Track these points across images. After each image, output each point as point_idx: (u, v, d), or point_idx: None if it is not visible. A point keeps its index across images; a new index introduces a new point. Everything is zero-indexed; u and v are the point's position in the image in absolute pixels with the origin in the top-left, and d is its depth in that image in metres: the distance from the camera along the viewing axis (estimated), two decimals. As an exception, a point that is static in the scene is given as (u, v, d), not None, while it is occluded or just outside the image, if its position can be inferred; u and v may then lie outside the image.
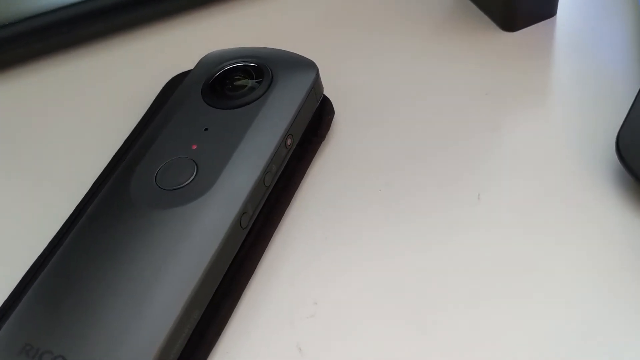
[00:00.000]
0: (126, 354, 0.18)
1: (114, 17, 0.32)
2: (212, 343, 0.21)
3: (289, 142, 0.24)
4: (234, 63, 0.26)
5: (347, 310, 0.22)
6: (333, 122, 0.27)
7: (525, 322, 0.21)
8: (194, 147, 0.23)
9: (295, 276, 0.23)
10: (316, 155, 0.26)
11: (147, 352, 0.19)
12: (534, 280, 0.22)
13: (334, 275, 0.23)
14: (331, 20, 0.32)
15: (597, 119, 0.26)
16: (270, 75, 0.25)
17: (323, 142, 0.27)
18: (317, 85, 0.26)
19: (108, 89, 0.30)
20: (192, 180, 0.22)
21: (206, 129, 0.24)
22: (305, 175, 0.26)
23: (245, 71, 0.26)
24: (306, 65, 0.26)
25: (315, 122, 0.27)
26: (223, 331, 0.21)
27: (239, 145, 0.23)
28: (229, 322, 0.22)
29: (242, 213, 0.22)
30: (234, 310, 0.22)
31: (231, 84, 0.26)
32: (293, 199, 0.25)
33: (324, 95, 0.27)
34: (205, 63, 0.27)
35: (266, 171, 0.23)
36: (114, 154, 0.27)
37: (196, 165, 0.23)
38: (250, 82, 0.25)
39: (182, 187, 0.22)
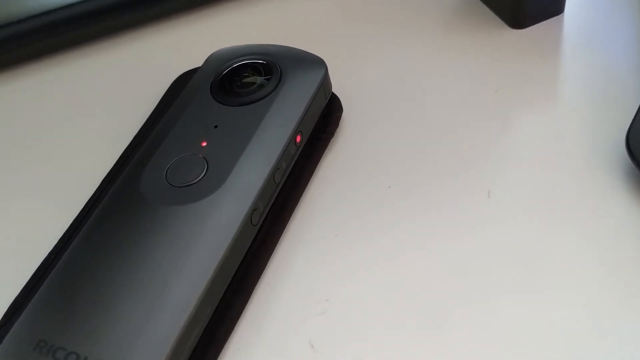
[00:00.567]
0: (139, 350, 0.18)
1: (121, 15, 0.32)
2: (224, 340, 0.21)
3: (298, 139, 0.24)
4: (243, 60, 0.26)
5: (359, 307, 0.22)
6: (342, 119, 0.27)
7: (537, 319, 0.21)
8: (204, 144, 0.23)
9: (306, 273, 0.23)
10: (325, 152, 0.26)
11: (160, 348, 0.18)
12: (545, 277, 0.22)
13: (345, 272, 0.23)
14: (340, 17, 0.32)
15: (606, 116, 0.26)
16: (279, 72, 0.25)
17: (332, 139, 0.27)
18: (326, 82, 0.26)
19: (116, 87, 0.30)
20: (202, 177, 0.22)
21: (216, 126, 0.24)
22: (315, 172, 0.26)
23: (254, 68, 0.26)
24: (315, 63, 0.26)
25: (324, 119, 0.27)
26: (235, 328, 0.21)
27: (249, 142, 0.23)
28: (240, 318, 0.22)
29: (253, 210, 0.22)
30: (246, 307, 0.22)
31: (240, 81, 0.26)
32: (303, 195, 0.25)
33: (333, 93, 0.27)
34: (213, 60, 0.27)
35: (276, 168, 0.23)
36: (122, 151, 0.27)
37: (206, 162, 0.23)
38: (259, 80, 0.25)
39: (193, 184, 0.22)
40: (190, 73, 0.29)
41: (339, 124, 0.27)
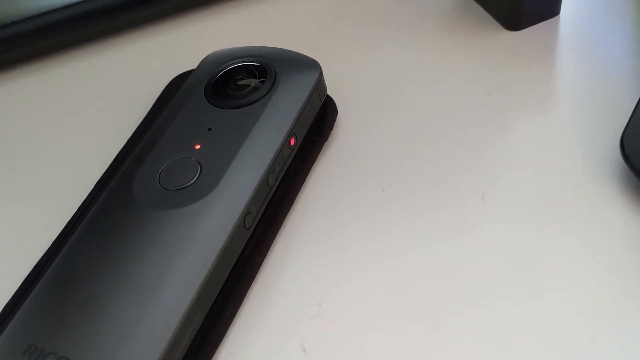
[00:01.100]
0: (130, 355, 0.18)
1: (114, 16, 0.32)
2: (216, 344, 0.21)
3: (292, 142, 0.24)
4: (237, 62, 0.26)
5: (352, 311, 0.22)
6: (336, 121, 0.27)
7: (532, 323, 0.21)
8: (197, 147, 0.23)
9: (299, 277, 0.23)
10: (320, 155, 0.26)
11: (151, 353, 0.18)
12: (540, 280, 0.22)
13: (338, 275, 0.23)
14: (334, 19, 0.32)
15: (601, 119, 0.26)
16: (274, 74, 0.25)
17: (326, 142, 0.26)
18: (320, 84, 0.26)
19: (109, 89, 0.30)
20: (195, 181, 0.22)
21: (209, 129, 0.24)
22: (309, 175, 0.26)
23: (248, 71, 0.26)
24: (309, 65, 0.26)
25: (319, 121, 0.27)
26: (227, 332, 0.21)
27: (242, 145, 0.23)
28: (232, 323, 0.21)
29: (246, 214, 0.22)
30: (238, 312, 0.22)
31: (234, 84, 0.26)
32: (296, 199, 0.25)
33: (327, 95, 0.27)
34: (207, 63, 0.27)
35: (270, 171, 0.23)
36: (116, 154, 0.26)
37: (200, 165, 0.23)
38: (253, 82, 0.25)
39: (186, 187, 0.22)
40: (184, 75, 0.29)
41: (334, 127, 0.27)
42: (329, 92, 0.27)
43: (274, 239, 0.23)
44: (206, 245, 0.21)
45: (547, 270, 0.22)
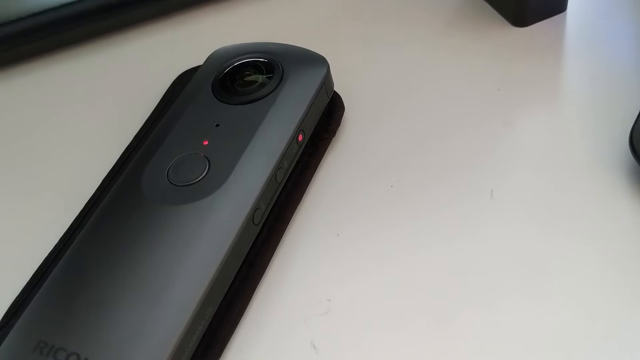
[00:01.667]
0: (140, 351, 0.18)
1: (122, 12, 0.32)
2: (226, 340, 0.21)
3: (300, 138, 0.24)
4: (244, 58, 0.26)
5: (361, 307, 0.22)
6: (344, 117, 0.27)
7: (541, 320, 0.21)
8: (206, 143, 0.23)
9: (308, 273, 0.23)
10: (327, 151, 0.26)
11: (162, 349, 0.18)
12: (549, 278, 0.22)
13: (347, 272, 0.22)
14: (342, 15, 0.32)
15: (609, 114, 0.26)
16: (281, 70, 0.25)
17: (334, 138, 0.26)
18: (328, 80, 0.26)
19: (117, 85, 0.30)
20: (204, 177, 0.22)
21: (217, 125, 0.24)
22: (317, 171, 0.25)
23: (255, 67, 0.26)
24: (317, 61, 0.26)
25: (326, 117, 0.26)
26: (236, 328, 0.21)
27: (250, 141, 0.23)
28: (242, 319, 0.21)
29: (255, 209, 0.22)
30: (247, 307, 0.22)
31: (241, 80, 0.25)
32: (305, 195, 0.25)
33: (335, 91, 0.27)
34: (214, 58, 0.27)
35: (278, 167, 0.23)
36: (123, 150, 0.26)
37: (208, 161, 0.23)
38: (260, 78, 0.25)
39: (195, 183, 0.22)
40: (191, 71, 0.29)
41: (341, 123, 0.27)
42: (336, 88, 0.27)
43: (282, 234, 0.23)
44: (215, 241, 0.21)
45: (556, 267, 0.22)
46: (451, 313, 0.21)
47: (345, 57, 0.30)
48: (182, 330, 0.19)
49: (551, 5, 0.31)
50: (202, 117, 0.24)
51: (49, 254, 0.23)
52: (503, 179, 0.25)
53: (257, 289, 0.22)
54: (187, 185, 0.22)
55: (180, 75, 0.29)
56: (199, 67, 0.27)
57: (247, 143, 0.23)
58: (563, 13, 0.31)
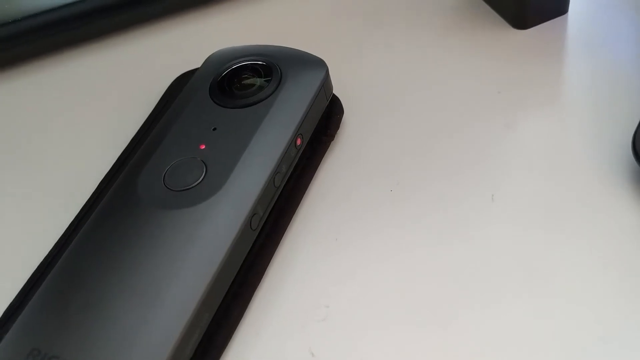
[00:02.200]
0: (136, 358, 0.18)
1: (118, 15, 0.32)
2: (223, 347, 0.21)
3: (298, 141, 0.24)
4: (242, 61, 0.26)
5: (359, 313, 0.21)
6: (343, 121, 0.27)
7: (541, 322, 0.21)
8: (203, 147, 0.23)
9: (305, 278, 0.22)
10: (326, 154, 0.26)
11: (158, 356, 0.18)
12: (549, 281, 0.21)
13: (345, 277, 0.22)
14: (340, 17, 0.32)
15: (611, 118, 0.26)
16: (279, 73, 0.25)
17: (333, 142, 0.26)
18: (326, 83, 0.26)
19: (113, 87, 0.30)
20: (201, 181, 0.22)
21: (214, 129, 0.24)
22: (315, 175, 0.25)
23: (253, 70, 0.26)
24: (315, 64, 0.26)
25: (325, 121, 0.26)
26: (234, 335, 0.21)
27: (248, 145, 0.23)
28: (239, 325, 0.21)
29: (252, 214, 0.22)
30: (245, 313, 0.21)
31: (239, 83, 0.25)
32: (303, 199, 0.24)
33: (333, 94, 0.27)
34: (212, 61, 0.26)
35: (276, 171, 0.23)
36: (120, 153, 0.26)
37: (205, 165, 0.22)
38: (258, 81, 0.25)
39: (191, 187, 0.22)
40: (188, 74, 0.28)
41: (340, 126, 0.27)
42: (335, 91, 0.27)
43: (280, 240, 0.23)
44: (212, 246, 0.20)
45: (557, 270, 0.22)
46: (451, 317, 0.21)
47: (345, 60, 0.29)
48: (178, 336, 0.19)
49: (552, 7, 0.30)
50: (199, 120, 0.24)
51: (44, 258, 0.23)
52: (504, 183, 0.24)
53: (254, 294, 0.22)
54: (184, 190, 0.22)
55: (177, 78, 0.29)
56: (196, 69, 0.27)
57: (244, 147, 0.23)
58: (564, 15, 0.31)
